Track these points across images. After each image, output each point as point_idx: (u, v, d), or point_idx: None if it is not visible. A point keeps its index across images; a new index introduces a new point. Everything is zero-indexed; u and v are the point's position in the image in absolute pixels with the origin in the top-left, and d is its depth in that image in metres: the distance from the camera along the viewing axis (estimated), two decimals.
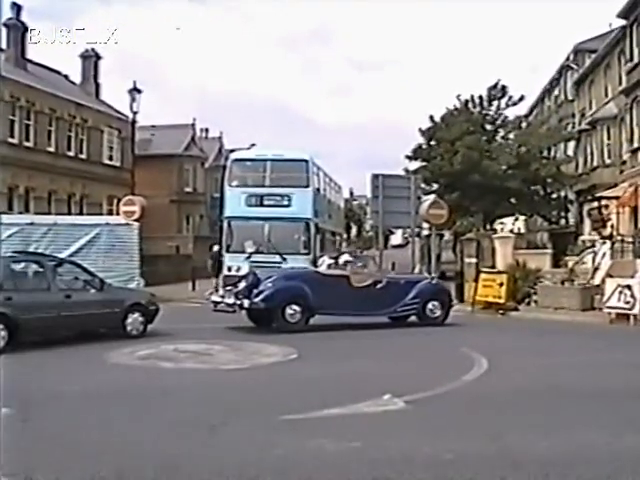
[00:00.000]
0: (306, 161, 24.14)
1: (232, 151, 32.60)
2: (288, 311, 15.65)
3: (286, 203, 23.51)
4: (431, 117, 38.26)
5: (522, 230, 43.13)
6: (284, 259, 22.69)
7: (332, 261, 17.41)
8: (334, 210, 31.16)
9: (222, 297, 16.72)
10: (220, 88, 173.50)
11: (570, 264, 22.89)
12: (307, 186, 23.75)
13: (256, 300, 15.70)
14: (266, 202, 23.62)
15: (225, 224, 24.22)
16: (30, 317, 12.41)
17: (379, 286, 16.66)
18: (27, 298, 12.82)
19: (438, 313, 17.25)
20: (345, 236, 51.88)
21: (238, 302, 15.91)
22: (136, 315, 14.44)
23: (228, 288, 17.17)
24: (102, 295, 14.08)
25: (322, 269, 17.19)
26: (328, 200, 28.72)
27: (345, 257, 17.81)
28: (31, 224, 21.86)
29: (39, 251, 21.23)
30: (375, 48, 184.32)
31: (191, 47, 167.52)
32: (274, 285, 16.11)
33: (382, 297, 16.58)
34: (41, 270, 13.61)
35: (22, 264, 14.21)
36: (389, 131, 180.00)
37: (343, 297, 16.14)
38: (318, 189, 25.45)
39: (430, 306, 17.17)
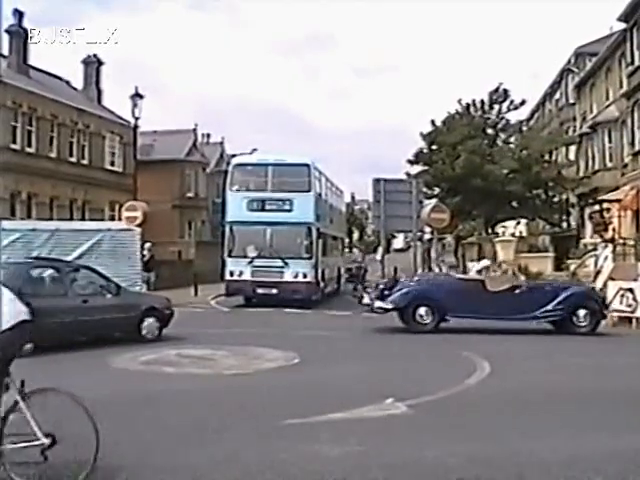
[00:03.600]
0: (308, 165, 24.06)
1: (234, 156, 32.62)
2: (419, 312, 16.25)
3: (288, 208, 23.41)
4: (432, 121, 38.31)
5: (524, 234, 43.08)
6: (286, 264, 22.77)
7: (482, 265, 17.49)
8: (336, 215, 31.14)
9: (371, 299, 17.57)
10: (221, 94, 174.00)
11: (572, 267, 22.93)
12: (309, 191, 23.66)
13: (387, 301, 16.64)
14: (268, 207, 23.52)
15: (227, 229, 24.16)
16: (48, 322, 12.29)
17: (518, 291, 16.42)
18: (45, 303, 12.67)
19: (585, 322, 16.38)
20: (347, 240, 51.86)
21: (375, 304, 16.94)
22: (151, 320, 14.60)
23: (369, 290, 18.33)
24: (118, 300, 14.27)
25: (472, 273, 17.33)
26: (330, 205, 28.68)
27: (484, 262, 17.92)
28: (33, 230, 21.90)
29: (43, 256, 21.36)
30: (375, 53, 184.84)
31: (192, 53, 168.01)
32: (405, 288, 17.06)
33: (520, 302, 16.30)
34: (59, 275, 13.81)
35: (40, 270, 14.33)
36: (390, 136, 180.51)
37: (477, 301, 16.23)
38: (320, 194, 25.41)
39: (578, 314, 16.39)
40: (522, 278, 16.69)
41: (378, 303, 16.93)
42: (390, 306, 16.71)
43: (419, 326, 16.18)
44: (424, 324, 16.22)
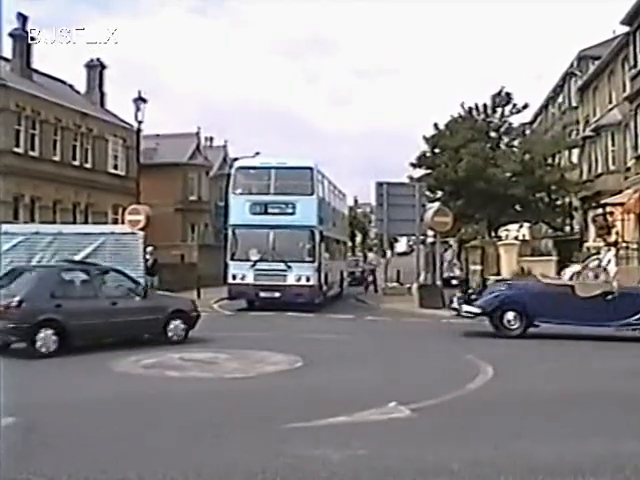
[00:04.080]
0: (311, 169, 24.02)
1: (236, 159, 32.59)
2: (506, 317, 16.21)
3: (290, 211, 23.36)
4: (435, 125, 38.30)
5: (527, 237, 43.10)
6: (289, 267, 22.74)
7: (575, 269, 17.42)
8: (338, 218, 31.11)
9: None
10: (224, 97, 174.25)
11: None
12: (312, 194, 23.61)
13: (474, 306, 16.78)
14: (271, 210, 23.48)
15: (230, 232, 24.14)
16: (78, 323, 13.10)
17: (610, 297, 16.04)
18: (76, 305, 13.49)
19: None
20: (350, 244, 51.84)
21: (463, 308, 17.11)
22: (177, 322, 14.93)
23: (459, 296, 18.46)
24: (145, 302, 14.69)
25: (565, 278, 17.22)
26: (332, 208, 28.63)
27: (574, 268, 17.87)
28: (36, 233, 21.87)
29: (46, 260, 21.39)
30: (378, 56, 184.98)
31: (195, 56, 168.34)
32: (494, 292, 17.16)
33: (612, 308, 15.92)
34: (89, 278, 14.26)
35: (71, 273, 14.72)
36: (392, 139, 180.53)
37: (566, 307, 15.99)
38: (323, 197, 25.33)
39: None
40: (615, 284, 16.31)
41: (466, 307, 16.98)
42: (478, 310, 16.69)
43: (507, 331, 16.07)
44: (512, 329, 16.09)
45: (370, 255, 39.43)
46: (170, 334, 14.73)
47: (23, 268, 16.02)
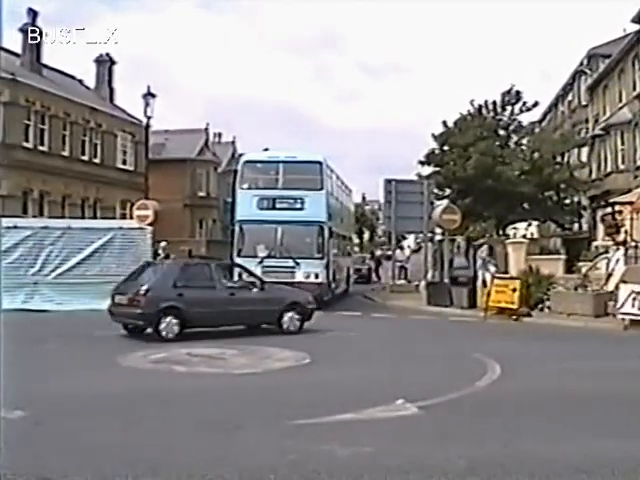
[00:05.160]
0: (320, 163, 23.58)
1: (242, 155, 32.46)
2: None
3: (299, 206, 22.97)
4: (444, 122, 38.18)
5: (535, 235, 42.90)
6: (297, 264, 22.30)
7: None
8: (346, 214, 30.78)
9: None
10: (232, 93, 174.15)
11: (583, 270, 22.75)
12: (321, 188, 23.21)
13: None
14: (279, 205, 23.03)
15: (236, 228, 23.53)
16: (197, 310, 14.72)
17: None
18: (196, 294, 15.05)
19: None
20: (358, 241, 51.76)
21: None
22: (292, 313, 16.06)
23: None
24: (262, 294, 16.01)
25: None
26: (340, 203, 28.19)
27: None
28: (45, 228, 22.03)
29: (54, 254, 21.50)
30: (386, 53, 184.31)
31: (203, 52, 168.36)
32: None
33: None
34: (209, 271, 15.89)
35: (193, 266, 16.70)
36: (401, 136, 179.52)
37: None
38: (331, 192, 24.88)
39: None
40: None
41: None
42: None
43: None
44: None
45: (398, 252, 39.32)
46: (285, 325, 15.89)
47: (151, 262, 18.15)
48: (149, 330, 14.55)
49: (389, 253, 44.83)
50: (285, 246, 22.71)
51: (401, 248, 50.67)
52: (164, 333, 14.21)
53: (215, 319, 15.19)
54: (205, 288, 15.38)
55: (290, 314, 15.97)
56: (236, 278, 17.60)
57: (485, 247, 25.32)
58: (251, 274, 16.91)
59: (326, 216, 23.31)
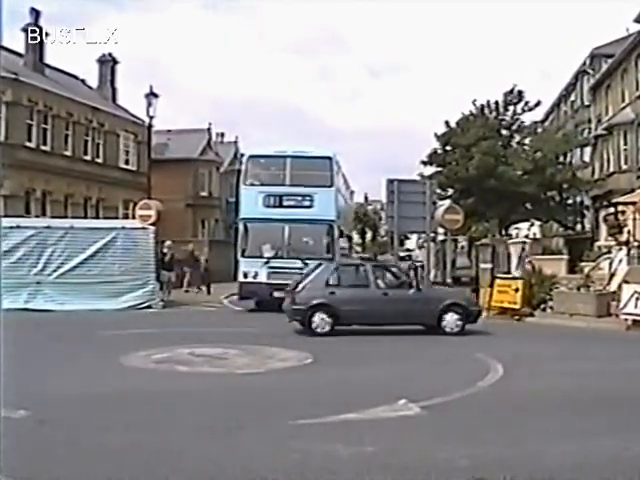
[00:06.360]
0: (330, 158, 22.56)
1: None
2: None
3: (308, 204, 21.87)
4: (447, 122, 38.21)
5: (537, 235, 42.91)
6: (305, 264, 20.01)
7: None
8: (349, 212, 30.33)
9: None
10: (235, 93, 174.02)
11: (586, 270, 22.73)
12: (331, 185, 22.21)
13: None
14: (286, 202, 21.91)
15: (240, 226, 22.47)
16: (349, 308, 15.49)
17: None
18: (348, 293, 15.88)
19: None
20: (360, 241, 51.66)
21: None
22: (452, 314, 16.04)
23: None
24: (419, 294, 16.27)
25: None
26: (345, 200, 27.43)
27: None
28: (48, 227, 22.06)
29: (57, 254, 21.50)
30: (389, 54, 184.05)
31: (206, 52, 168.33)
32: None
33: None
34: (363, 271, 16.43)
35: (347, 266, 17.47)
36: (403, 136, 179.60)
37: None
38: (339, 189, 23.89)
39: None
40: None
41: None
42: None
43: None
44: None
45: (416, 251, 39.19)
46: (447, 327, 15.92)
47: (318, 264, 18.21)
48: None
49: (402, 254, 44.18)
50: (293, 246, 21.73)
51: (420, 247, 50.37)
52: (317, 329, 15.31)
53: (367, 317, 15.78)
54: (358, 287, 16.09)
55: (450, 315, 16.01)
56: (389, 278, 17.28)
57: (518, 247, 25.17)
58: (407, 275, 17.41)
59: (336, 214, 22.36)
